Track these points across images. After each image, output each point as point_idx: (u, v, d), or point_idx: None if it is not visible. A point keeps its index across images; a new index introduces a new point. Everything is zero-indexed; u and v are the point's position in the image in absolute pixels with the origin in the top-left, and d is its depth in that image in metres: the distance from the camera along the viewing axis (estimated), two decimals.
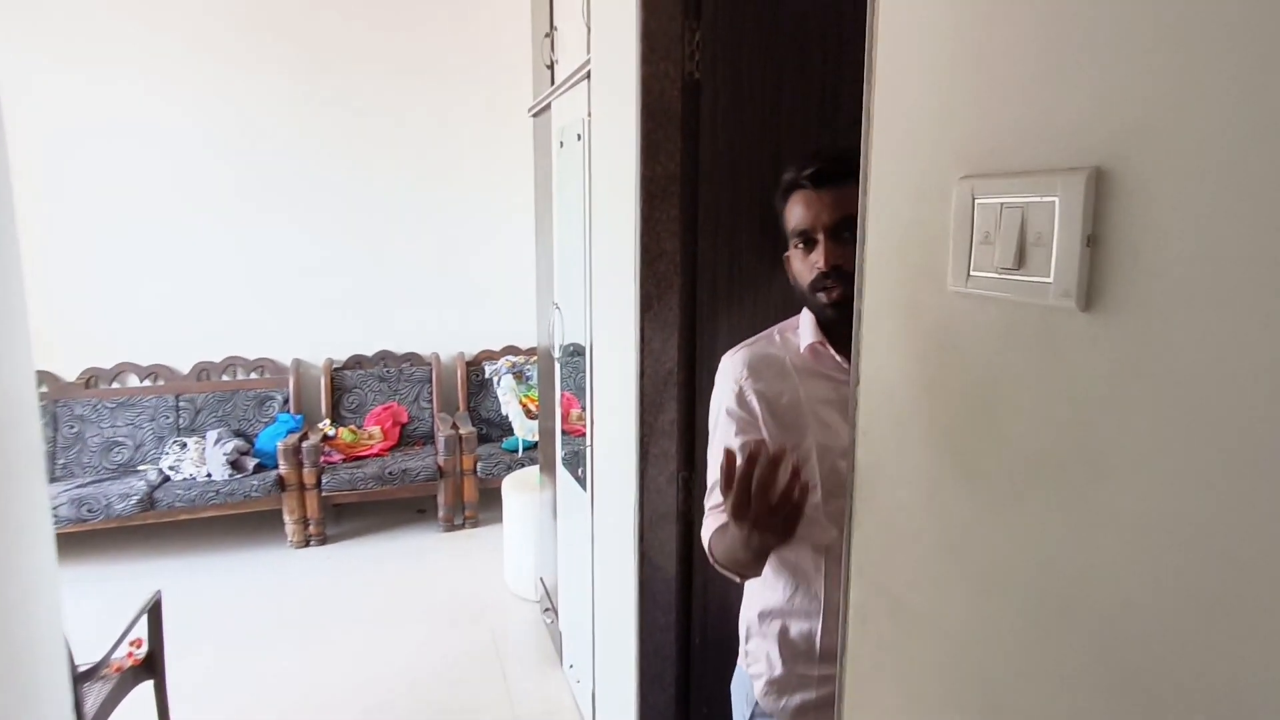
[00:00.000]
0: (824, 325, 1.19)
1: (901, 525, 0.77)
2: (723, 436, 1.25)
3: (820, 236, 1.13)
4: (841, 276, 1.11)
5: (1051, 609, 0.61)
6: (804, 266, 1.15)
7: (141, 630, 2.03)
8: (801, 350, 1.21)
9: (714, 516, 1.22)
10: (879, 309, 0.79)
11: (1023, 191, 0.59)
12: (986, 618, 0.67)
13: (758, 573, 1.18)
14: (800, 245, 1.15)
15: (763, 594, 1.27)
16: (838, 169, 1.10)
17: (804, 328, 1.22)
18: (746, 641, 1.31)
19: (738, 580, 1.20)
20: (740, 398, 1.21)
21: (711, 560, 1.19)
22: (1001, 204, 0.61)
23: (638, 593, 1.65)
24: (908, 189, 0.73)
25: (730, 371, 1.25)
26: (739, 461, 0.95)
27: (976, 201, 0.64)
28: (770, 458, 0.94)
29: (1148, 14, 0.50)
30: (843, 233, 1.11)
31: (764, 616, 1.24)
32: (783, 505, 0.95)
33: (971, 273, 0.65)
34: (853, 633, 0.87)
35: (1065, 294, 0.56)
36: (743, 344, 1.29)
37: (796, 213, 1.15)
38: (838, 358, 1.18)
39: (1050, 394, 0.59)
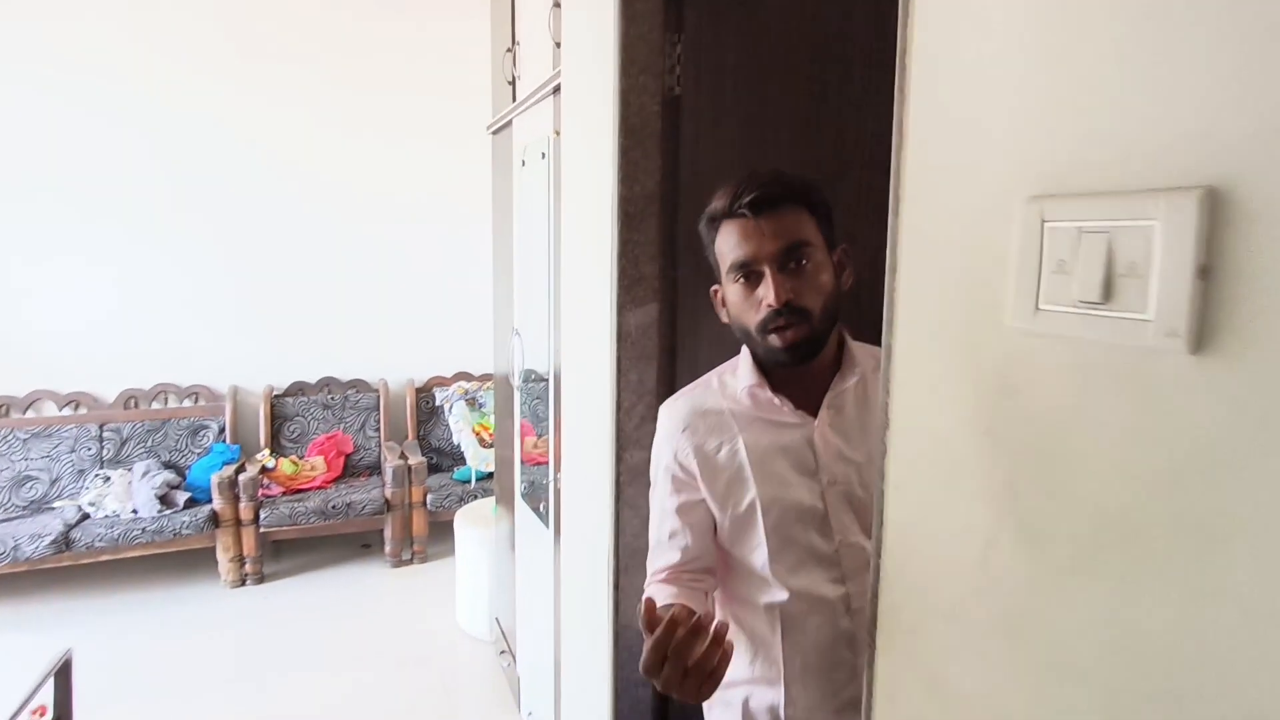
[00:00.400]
0: (762, 365, 1.10)
1: (944, 591, 0.68)
2: (661, 494, 1.17)
3: (766, 269, 1.02)
4: (795, 313, 1.01)
5: (1139, 698, 0.52)
6: (747, 305, 1.04)
7: (46, 696, 1.81)
8: (740, 395, 1.11)
9: (656, 588, 1.13)
10: (916, 347, 0.70)
11: (1109, 214, 0.51)
12: (1054, 706, 0.58)
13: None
14: (741, 280, 1.04)
15: None
16: (776, 193, 1.02)
17: (742, 369, 1.12)
18: (708, 713, 1.21)
19: None
20: (677, 456, 1.13)
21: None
22: (1079, 228, 0.53)
23: (612, 644, 1.53)
24: (955, 212, 0.65)
25: (667, 425, 1.16)
26: (659, 618, 0.88)
27: (1046, 225, 0.55)
28: (691, 627, 0.87)
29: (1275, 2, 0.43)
30: (789, 263, 1.02)
31: (724, 686, 1.15)
32: (697, 672, 0.87)
33: (1041, 307, 0.56)
34: (879, 711, 0.77)
35: (1170, 333, 0.48)
36: (681, 393, 1.19)
37: (732, 244, 1.04)
38: (776, 400, 1.09)
39: (1144, 447, 0.50)
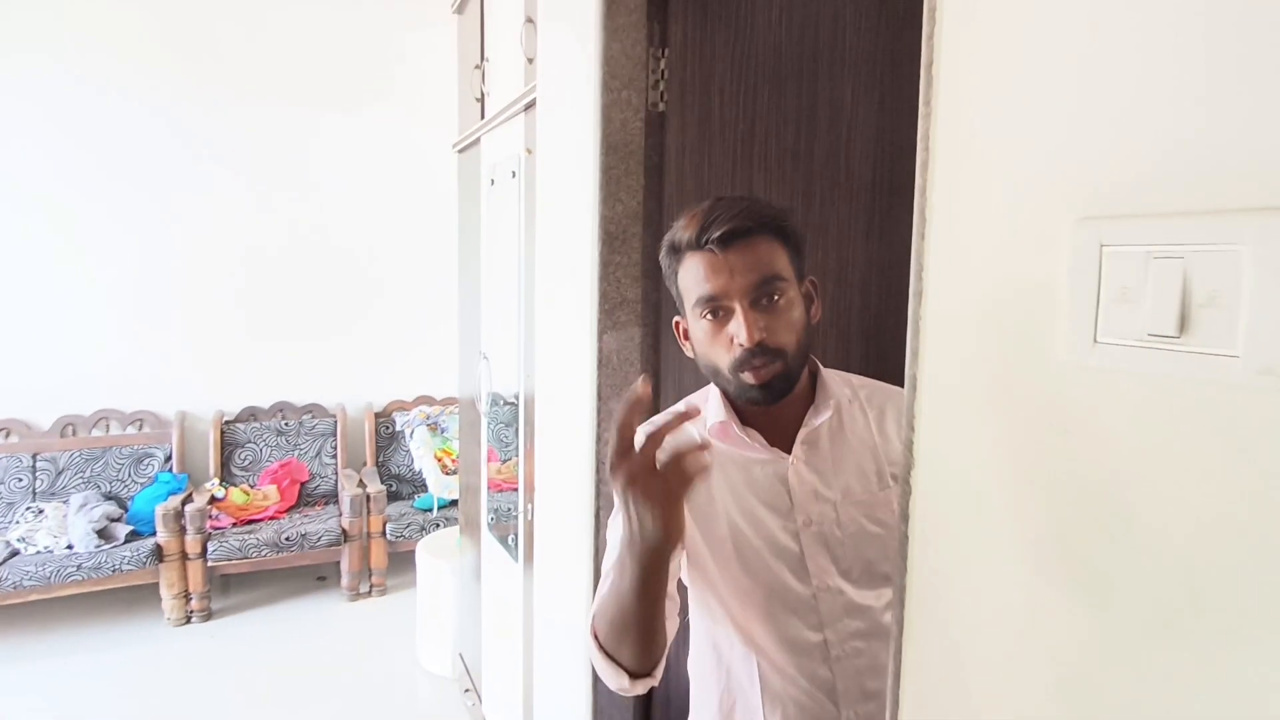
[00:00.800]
0: (733, 400, 1.03)
1: (979, 652, 0.62)
2: (617, 537, 1.03)
3: (737, 305, 0.95)
4: (767, 352, 0.95)
5: None
6: (716, 342, 0.98)
7: None
8: (709, 428, 1.04)
9: (601, 587, 1.02)
10: (945, 380, 0.64)
11: (1185, 238, 0.46)
12: None
13: (649, 621, 0.91)
14: (709, 316, 0.97)
15: (700, 712, 1.10)
16: (747, 226, 0.95)
17: (711, 404, 1.05)
18: None
19: (626, 676, 0.96)
20: None
21: (596, 646, 0.97)
22: (1148, 252, 0.48)
23: (591, 691, 1.44)
24: (991, 235, 0.60)
25: None
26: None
27: (1106, 250, 0.50)
28: (679, 415, 0.79)
29: None
30: (761, 299, 0.95)
31: None
32: (674, 466, 0.78)
33: (1100, 339, 0.51)
34: None
35: (1264, 371, 0.43)
36: (650, 422, 1.07)
37: (698, 278, 0.97)
38: (747, 437, 1.03)
39: (1232, 497, 0.45)
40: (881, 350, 1.45)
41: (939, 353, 0.65)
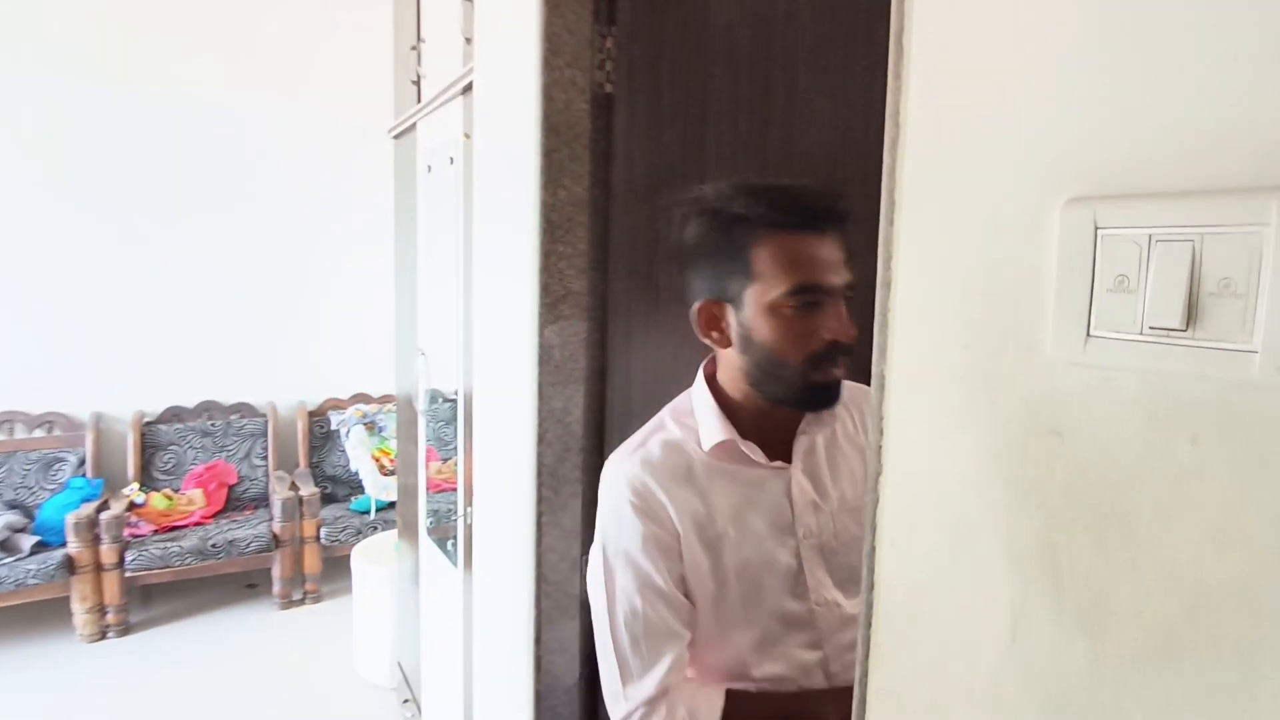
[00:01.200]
0: (731, 413, 0.96)
1: (958, 676, 0.56)
2: (627, 586, 0.92)
3: (832, 298, 0.89)
4: (848, 351, 0.90)
5: None
6: (796, 335, 0.89)
7: None
8: (708, 450, 0.95)
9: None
10: (917, 378, 0.59)
11: (1193, 219, 0.41)
12: None
13: None
14: (797, 307, 0.88)
15: None
16: (845, 210, 0.90)
17: (708, 420, 0.96)
18: None
19: None
20: (658, 523, 0.92)
21: None
22: (1150, 236, 0.43)
23: (534, 704, 1.36)
24: (968, 219, 0.54)
25: (630, 485, 0.94)
26: None
27: (1101, 233, 0.45)
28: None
29: None
30: (847, 292, 0.90)
31: None
32: None
33: (1093, 333, 0.46)
34: None
35: None
36: (632, 445, 0.99)
37: (793, 261, 0.88)
38: (748, 451, 0.95)
39: (1245, 506, 0.40)
40: None
41: (910, 349, 0.60)
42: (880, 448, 0.62)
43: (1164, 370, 0.43)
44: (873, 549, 0.63)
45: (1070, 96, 0.47)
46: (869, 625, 0.63)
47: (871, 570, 0.63)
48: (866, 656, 0.64)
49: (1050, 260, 0.48)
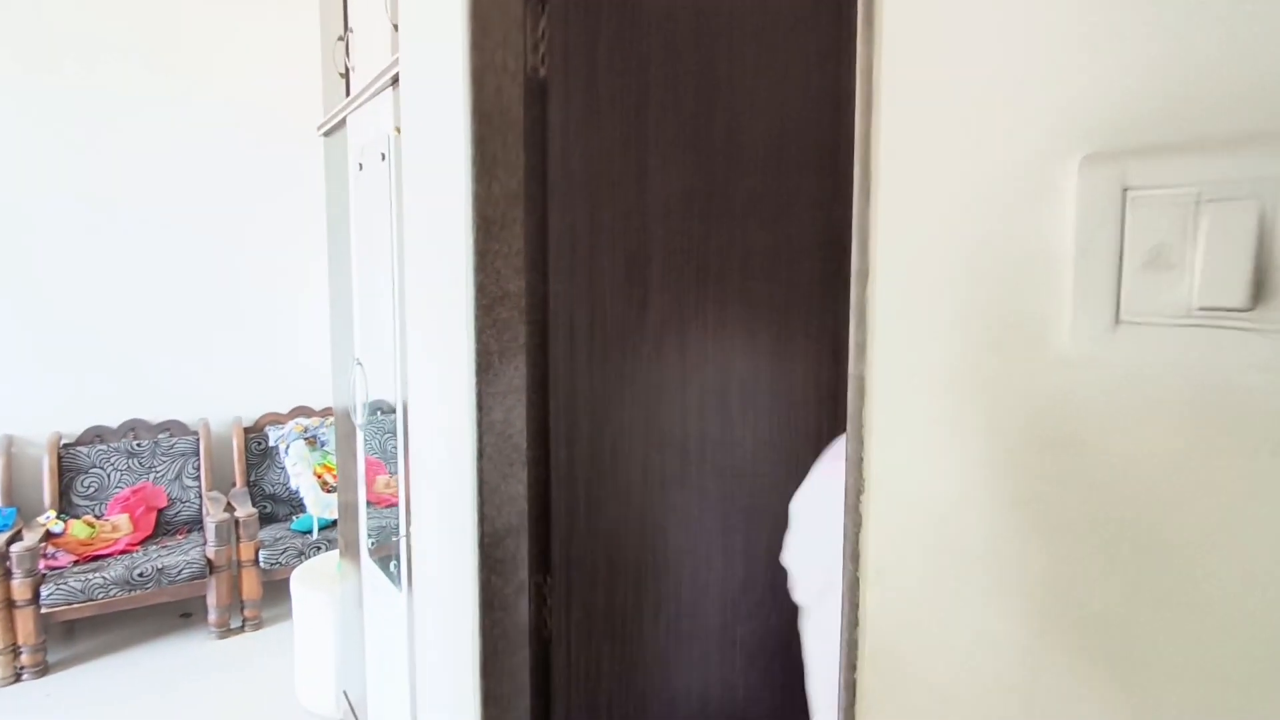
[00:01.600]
0: None
1: None
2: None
3: None
4: None
5: None
6: None
7: None
8: None
9: None
10: (905, 383, 0.50)
11: (1262, 169, 0.33)
12: None
13: None
14: None
15: None
16: None
17: None
18: None
19: None
20: None
21: None
22: (1199, 195, 0.35)
23: None
24: (959, 190, 0.46)
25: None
26: None
27: (1130, 195, 0.37)
28: None
29: None
30: None
31: None
32: None
33: (1123, 319, 0.37)
34: None
35: None
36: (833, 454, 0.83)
37: None
38: None
39: None
40: (790, 348, 1.32)
41: (893, 347, 0.51)
42: (861, 461, 0.53)
43: (1220, 362, 0.34)
44: (855, 580, 0.54)
45: (1087, 23, 0.39)
46: (852, 668, 0.54)
47: (855, 605, 0.54)
48: (852, 704, 0.55)
49: (1065, 232, 0.40)
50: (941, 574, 0.48)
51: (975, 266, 0.45)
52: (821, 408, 1.36)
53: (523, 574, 1.23)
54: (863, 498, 0.54)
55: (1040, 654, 0.43)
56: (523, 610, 1.23)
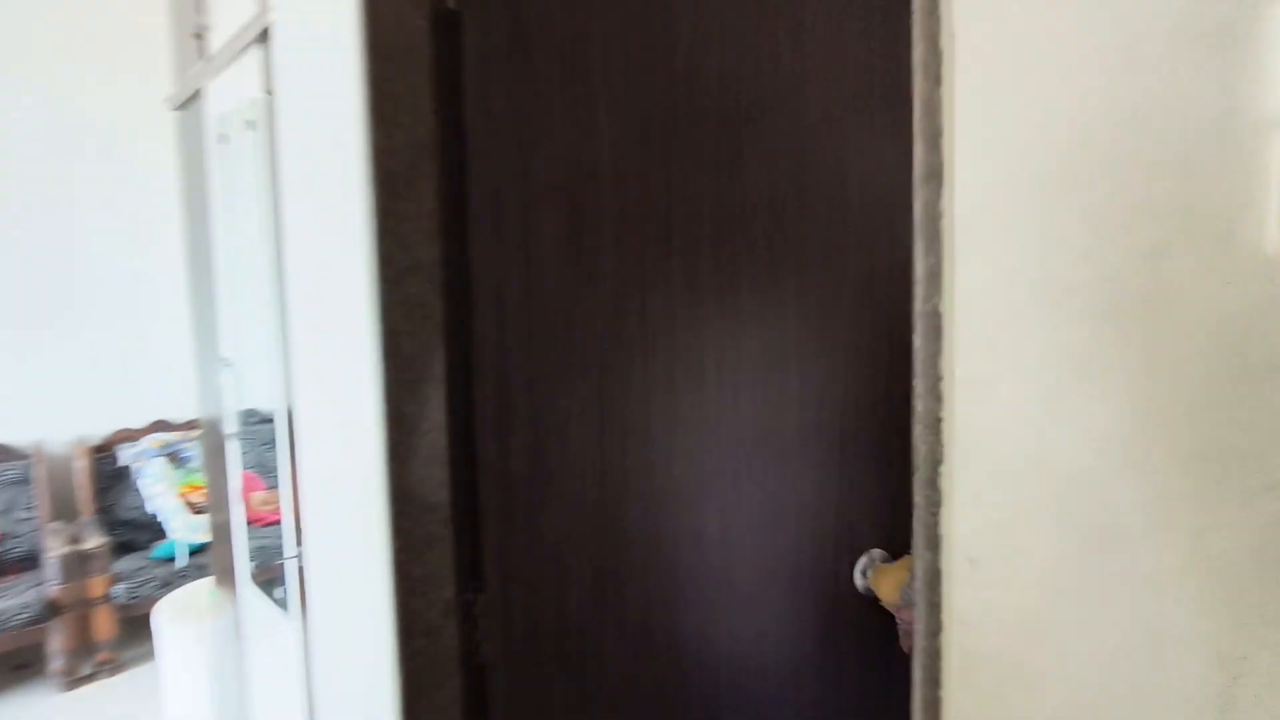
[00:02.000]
0: None
1: None
2: None
3: None
4: None
5: None
6: None
7: None
8: None
9: None
10: (1006, 315, 0.39)
11: None
12: None
13: None
14: None
15: None
16: None
17: None
18: None
19: None
20: None
21: None
22: None
23: None
24: (1084, 34, 0.35)
25: None
26: None
27: None
28: None
29: None
30: None
31: None
32: None
33: None
34: None
35: None
36: None
37: None
38: None
39: None
40: (782, 311, 1.13)
41: (986, 271, 0.40)
42: (939, 422, 0.42)
43: None
44: (935, 573, 0.42)
45: None
46: (934, 683, 0.43)
47: (935, 605, 0.43)
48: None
49: (1257, 91, 0.30)
50: (1068, 560, 0.38)
51: (1111, 148, 0.34)
52: (823, 382, 1.18)
53: (448, 592, 1.06)
54: (941, 469, 0.42)
55: (1242, 664, 0.32)
56: (450, 635, 1.06)
